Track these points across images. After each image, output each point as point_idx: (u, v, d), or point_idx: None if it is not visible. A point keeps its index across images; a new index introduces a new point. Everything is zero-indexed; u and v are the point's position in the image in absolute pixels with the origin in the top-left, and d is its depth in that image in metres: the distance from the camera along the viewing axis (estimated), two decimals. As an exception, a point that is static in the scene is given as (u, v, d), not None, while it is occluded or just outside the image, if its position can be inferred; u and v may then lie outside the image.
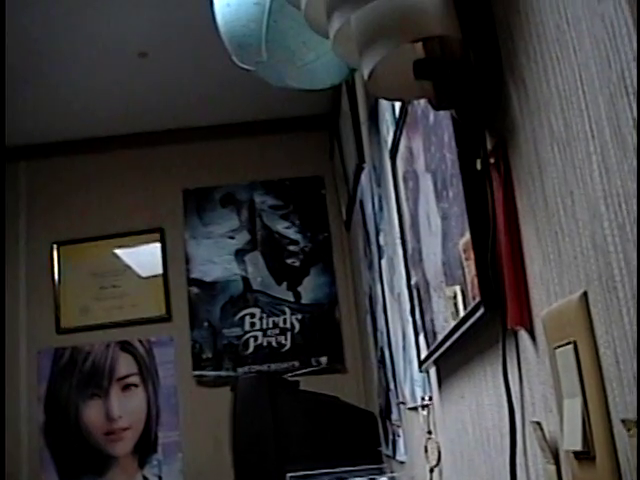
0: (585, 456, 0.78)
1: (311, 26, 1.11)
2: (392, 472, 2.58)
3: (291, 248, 3.85)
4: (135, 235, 3.90)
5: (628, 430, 0.68)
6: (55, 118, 3.73)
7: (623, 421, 0.69)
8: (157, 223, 3.91)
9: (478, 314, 1.06)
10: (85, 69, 3.32)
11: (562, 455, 0.87)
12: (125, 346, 3.74)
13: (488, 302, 1.02)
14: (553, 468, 0.89)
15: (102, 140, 3.96)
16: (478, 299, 1.04)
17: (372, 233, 2.66)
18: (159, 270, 3.86)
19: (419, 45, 1.01)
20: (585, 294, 0.77)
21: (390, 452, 2.60)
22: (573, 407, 0.79)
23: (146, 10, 2.97)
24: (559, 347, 0.82)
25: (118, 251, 3.90)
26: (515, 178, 0.96)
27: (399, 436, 2.36)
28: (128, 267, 3.88)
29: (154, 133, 3.96)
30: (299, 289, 3.79)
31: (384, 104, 2.04)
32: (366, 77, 1.00)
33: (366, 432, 2.90)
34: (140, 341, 3.75)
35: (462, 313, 1.16)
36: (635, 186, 0.64)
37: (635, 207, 0.64)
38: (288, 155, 3.97)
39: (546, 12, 0.80)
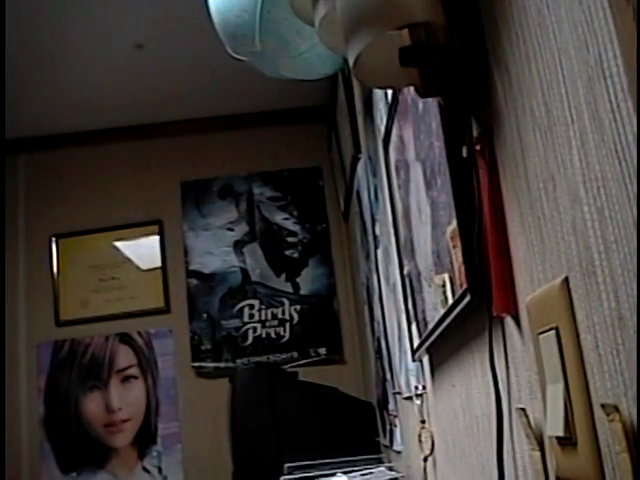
0: (567, 441, 0.78)
1: (297, 14, 1.10)
2: (390, 462, 2.58)
3: (290, 239, 3.85)
4: (134, 227, 3.90)
5: (608, 415, 0.68)
6: (53, 111, 3.73)
7: (603, 406, 0.69)
8: (156, 215, 3.91)
9: (465, 302, 1.06)
10: (82, 61, 3.31)
11: (546, 441, 0.87)
12: (124, 338, 3.74)
13: (475, 289, 1.02)
14: (538, 454, 0.89)
15: (100, 132, 3.96)
16: (465, 286, 1.04)
17: (368, 223, 2.66)
18: (158, 262, 3.86)
19: (405, 32, 1.01)
20: (566, 279, 0.77)
21: (387, 442, 2.60)
22: (556, 393, 0.79)
23: (142, 2, 2.96)
24: (542, 333, 0.82)
25: (117, 243, 3.90)
26: (500, 164, 0.96)
27: (396, 426, 2.36)
28: (127, 259, 3.88)
29: (152, 125, 3.95)
30: (298, 280, 3.79)
31: (378, 94, 2.03)
32: (352, 64, 0.99)
33: (364, 422, 2.90)
34: (139, 333, 3.75)
35: (450, 301, 1.15)
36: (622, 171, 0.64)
37: (613, 191, 0.64)
38: (286, 146, 3.96)
39: (528, -3, 0.80)
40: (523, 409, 0.92)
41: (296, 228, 3.86)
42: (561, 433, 0.78)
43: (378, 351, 2.71)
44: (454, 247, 1.09)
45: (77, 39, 3.15)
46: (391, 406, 2.44)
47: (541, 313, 0.83)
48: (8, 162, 3.91)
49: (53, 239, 3.87)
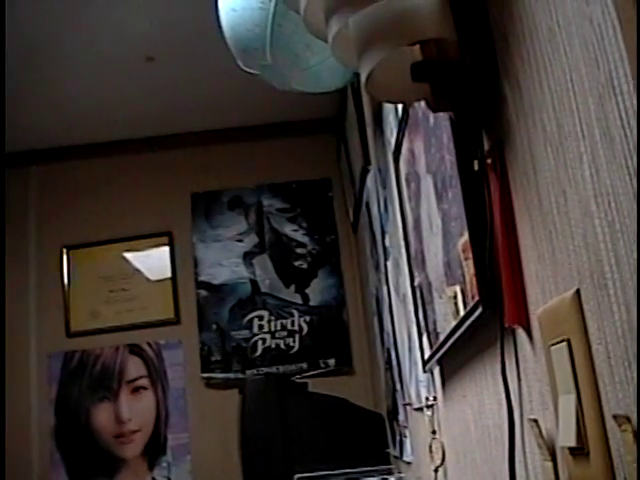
0: (579, 452, 0.79)
1: (310, 30, 1.12)
2: (400, 473, 2.58)
3: (299, 251, 3.86)
4: (144, 239, 3.92)
5: (619, 425, 0.69)
6: (64, 123, 3.75)
7: (615, 417, 0.70)
8: (166, 227, 3.93)
9: (477, 313, 1.07)
10: (93, 74, 3.34)
11: (558, 452, 0.88)
12: (134, 349, 3.76)
13: (486, 301, 1.03)
14: (550, 465, 0.90)
15: (110, 144, 3.98)
16: (477, 298, 1.05)
17: (378, 235, 2.67)
18: (168, 273, 3.88)
19: (416, 48, 1.03)
20: (578, 292, 0.78)
21: (397, 453, 2.61)
22: (568, 404, 0.80)
23: (153, 14, 2.99)
24: (554, 345, 0.83)
25: (127, 255, 3.92)
26: (511, 178, 0.97)
27: (406, 437, 2.37)
28: (137, 271, 3.90)
29: (162, 137, 3.98)
30: (307, 291, 3.80)
31: (388, 106, 2.05)
32: (364, 80, 1.01)
33: (374, 433, 2.90)
34: (149, 344, 3.76)
35: (462, 312, 1.17)
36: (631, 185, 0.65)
37: (624, 205, 0.65)
38: (295, 158, 3.98)
39: (538, 14, 0.82)
40: (535, 420, 0.93)
41: (305, 239, 3.87)
42: (573, 444, 0.78)
43: (388, 362, 2.72)
44: (466, 259, 1.11)
45: (88, 51, 3.17)
46: (401, 417, 2.44)
47: (553, 325, 0.84)
48: (19, 174, 3.94)
49: (64, 250, 3.89)
